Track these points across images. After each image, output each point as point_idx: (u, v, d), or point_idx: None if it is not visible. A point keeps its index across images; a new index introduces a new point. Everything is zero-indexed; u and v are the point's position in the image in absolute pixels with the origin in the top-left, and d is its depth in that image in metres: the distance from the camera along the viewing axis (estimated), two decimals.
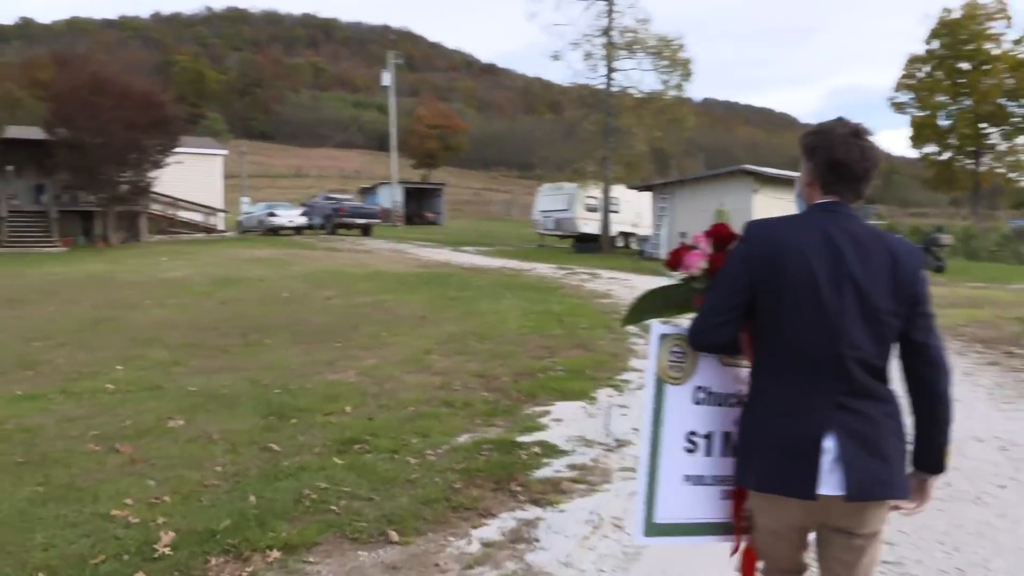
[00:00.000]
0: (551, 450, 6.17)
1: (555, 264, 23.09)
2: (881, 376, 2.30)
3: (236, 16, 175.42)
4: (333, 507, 4.98)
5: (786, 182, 23.75)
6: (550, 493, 5.27)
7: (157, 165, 29.02)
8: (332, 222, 38.06)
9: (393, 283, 17.15)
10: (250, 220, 39.13)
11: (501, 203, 74.23)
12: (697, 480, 2.44)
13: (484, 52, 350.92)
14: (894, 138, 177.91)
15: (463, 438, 6.52)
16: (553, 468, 5.78)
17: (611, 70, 29.62)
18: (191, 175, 32.89)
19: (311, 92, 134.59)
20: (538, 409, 7.48)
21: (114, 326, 12.04)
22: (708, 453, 2.45)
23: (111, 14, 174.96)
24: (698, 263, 2.43)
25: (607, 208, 30.48)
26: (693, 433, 2.44)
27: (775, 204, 23.12)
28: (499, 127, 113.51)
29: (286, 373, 8.95)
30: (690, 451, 2.43)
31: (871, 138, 2.39)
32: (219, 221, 35.24)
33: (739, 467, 2.39)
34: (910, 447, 2.38)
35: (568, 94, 32.26)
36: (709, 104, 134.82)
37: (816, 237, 2.27)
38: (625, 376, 9.02)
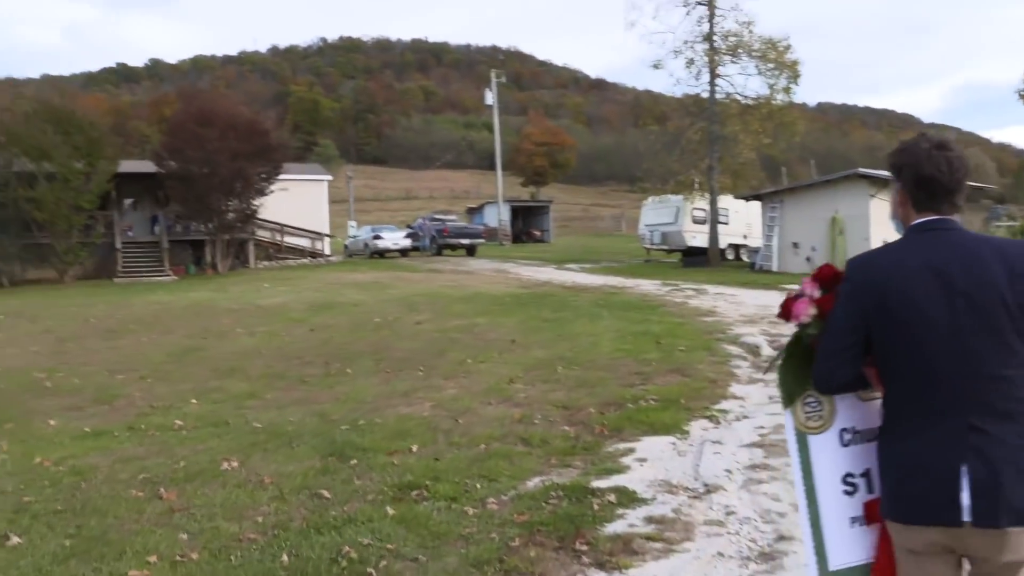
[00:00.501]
0: (628, 498, 5.45)
1: (660, 280, 22.15)
2: (1016, 386, 2.21)
3: (349, 45, 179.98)
4: (371, 570, 4.42)
5: None
6: (619, 554, 4.56)
7: (262, 193, 29.53)
8: (437, 243, 38.04)
9: (488, 305, 16.66)
10: (356, 244, 39.49)
11: (610, 218, 73.31)
12: (864, 519, 2.42)
13: (592, 67, 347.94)
14: None
15: (533, 482, 5.87)
16: (627, 521, 5.05)
17: (714, 76, 28.51)
18: (297, 201, 33.33)
19: (422, 115, 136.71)
20: (622, 446, 6.76)
21: (200, 357, 11.91)
22: (870, 490, 2.42)
23: (232, 51, 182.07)
24: (807, 311, 2.42)
25: (715, 220, 29.29)
26: (849, 475, 2.43)
27: None
28: (607, 141, 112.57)
29: (359, 406, 8.51)
30: (850, 493, 2.42)
31: (956, 149, 2.34)
32: (325, 246, 35.59)
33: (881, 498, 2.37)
34: None
35: (670, 103, 31.24)
36: (823, 108, 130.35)
37: (920, 260, 2.26)
38: (724, 405, 8.19)
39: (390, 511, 5.33)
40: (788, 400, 2.49)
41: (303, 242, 34.36)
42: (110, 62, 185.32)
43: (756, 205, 28.76)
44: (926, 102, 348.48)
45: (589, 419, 7.71)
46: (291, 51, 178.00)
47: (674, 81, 36.49)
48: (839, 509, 2.41)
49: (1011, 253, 2.26)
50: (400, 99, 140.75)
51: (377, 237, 37.62)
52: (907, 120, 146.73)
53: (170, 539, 4.97)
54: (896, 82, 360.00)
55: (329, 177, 38.75)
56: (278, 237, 33.30)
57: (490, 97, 48.74)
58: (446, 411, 8.15)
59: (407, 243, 37.61)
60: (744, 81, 30.75)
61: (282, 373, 10.58)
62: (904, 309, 2.22)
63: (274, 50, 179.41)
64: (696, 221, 31.51)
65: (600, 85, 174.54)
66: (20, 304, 19.95)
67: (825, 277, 2.45)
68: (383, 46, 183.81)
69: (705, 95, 28.78)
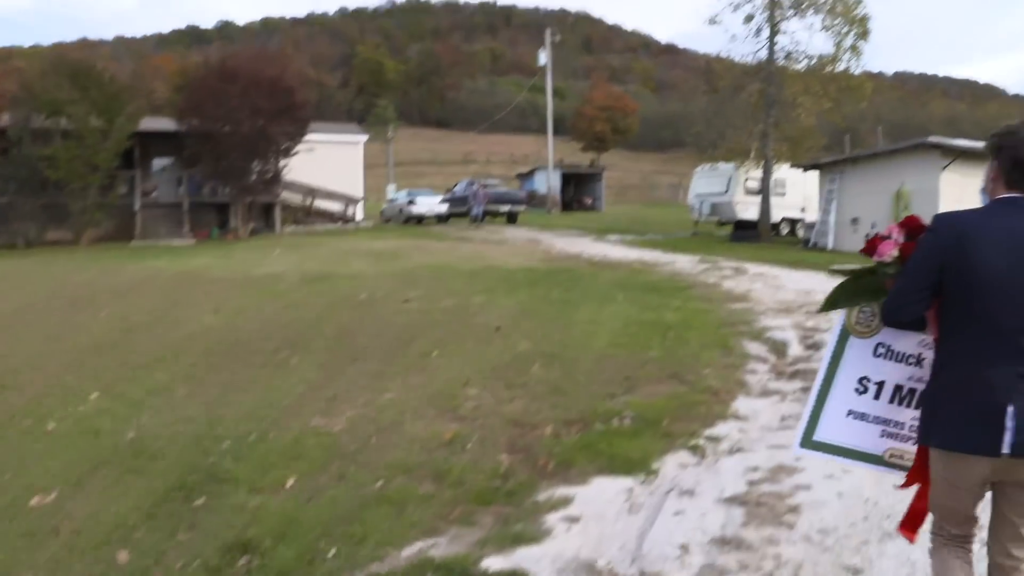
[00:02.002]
0: None
1: (699, 256, 20.10)
2: None
3: (418, 7, 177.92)
4: None
5: (984, 157, 19.63)
6: None
7: (286, 154, 28.02)
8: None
9: (495, 281, 14.97)
10: (392, 209, 37.64)
11: (667, 187, 70.58)
12: (860, 416, 2.77)
13: (663, 32, 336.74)
14: None
15: (408, 551, 4.29)
16: None
17: (775, 32, 25.95)
18: (331, 164, 31.63)
19: (488, 78, 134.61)
20: (558, 493, 5.12)
21: (142, 338, 10.53)
22: (876, 397, 2.78)
23: (300, 12, 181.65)
24: (890, 251, 2.67)
25: (766, 190, 26.84)
26: (866, 378, 2.77)
27: (969, 184, 19.21)
28: (675, 108, 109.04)
29: (268, 413, 7.01)
30: (860, 392, 2.77)
31: None
32: (358, 210, 33.88)
33: (923, 428, 2.72)
34: None
35: (724, 63, 28.69)
36: (902, 77, 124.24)
37: (998, 226, 2.57)
38: (718, 429, 6.46)
39: None
40: (828, 305, 2.80)
41: (336, 206, 32.68)
42: (181, 24, 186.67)
43: (815, 176, 26.38)
44: (1014, 72, 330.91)
45: (538, 443, 6.10)
46: (360, 13, 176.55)
47: (730, 37, 33.64)
48: (845, 400, 2.77)
49: None
50: (467, 61, 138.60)
51: (411, 202, 35.71)
52: (991, 91, 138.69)
53: None
54: (979, 51, 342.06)
55: (363, 138, 36.93)
56: (308, 201, 31.77)
57: (544, 57, 46.57)
58: (365, 425, 6.58)
59: (443, 209, 35.73)
60: (808, 38, 27.79)
61: (217, 363, 9.12)
62: (979, 268, 2.53)
63: (343, 11, 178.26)
64: (749, 192, 29.09)
65: (670, 50, 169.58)
66: (13, 268, 18.93)
67: (912, 226, 2.72)
68: (452, 8, 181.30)
69: (764, 55, 26.25)
